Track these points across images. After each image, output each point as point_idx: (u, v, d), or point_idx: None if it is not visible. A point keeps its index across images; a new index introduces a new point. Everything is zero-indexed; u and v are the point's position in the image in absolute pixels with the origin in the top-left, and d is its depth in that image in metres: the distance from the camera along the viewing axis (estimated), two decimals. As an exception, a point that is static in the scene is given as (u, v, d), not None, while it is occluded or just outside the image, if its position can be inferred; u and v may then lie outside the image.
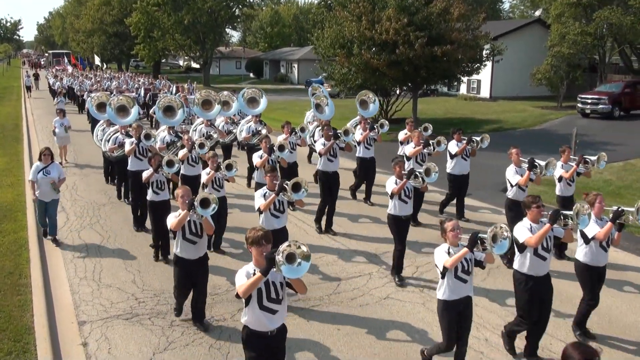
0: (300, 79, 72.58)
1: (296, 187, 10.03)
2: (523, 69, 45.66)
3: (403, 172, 11.35)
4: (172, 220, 9.07)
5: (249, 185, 18.86)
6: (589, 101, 37.19)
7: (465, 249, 7.44)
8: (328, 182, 14.61)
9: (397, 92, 34.06)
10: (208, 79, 67.31)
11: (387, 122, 17.36)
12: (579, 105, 37.82)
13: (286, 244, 6.04)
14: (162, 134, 16.44)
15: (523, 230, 8.35)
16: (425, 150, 15.19)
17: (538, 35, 49.07)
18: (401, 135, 17.29)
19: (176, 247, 9.29)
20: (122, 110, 16.66)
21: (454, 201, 15.73)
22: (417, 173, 11.33)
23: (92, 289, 10.95)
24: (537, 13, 59.51)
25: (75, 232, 14.24)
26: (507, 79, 48.97)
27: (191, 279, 9.36)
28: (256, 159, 13.58)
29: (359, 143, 16.83)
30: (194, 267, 9.28)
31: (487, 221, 14.83)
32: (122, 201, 17.30)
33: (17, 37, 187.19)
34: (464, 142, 15.13)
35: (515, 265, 8.56)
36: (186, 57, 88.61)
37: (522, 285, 8.43)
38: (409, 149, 15.31)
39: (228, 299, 10.51)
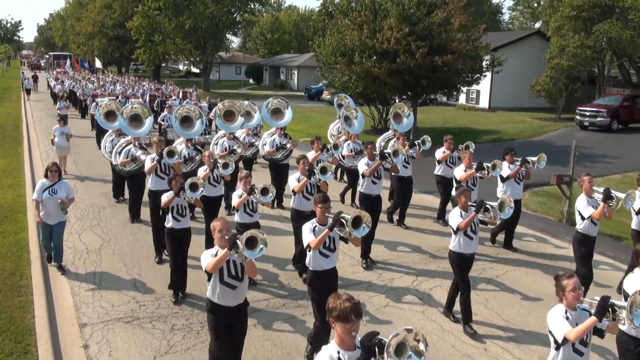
0: (300, 86, 72.66)
1: (357, 223, 8.36)
2: (522, 80, 45.85)
3: (471, 203, 9.94)
4: (207, 259, 7.33)
5: (273, 205, 17.09)
6: (588, 114, 37.35)
7: (594, 318, 6.02)
8: (371, 206, 12.96)
9: (397, 100, 34.15)
10: (208, 84, 67.38)
11: (429, 138, 16.17)
12: (578, 117, 37.96)
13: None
14: (179, 148, 14.66)
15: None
16: (478, 174, 13.85)
17: (537, 47, 49.28)
18: (439, 153, 15.90)
19: (211, 293, 7.60)
20: (135, 119, 15.36)
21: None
22: (488, 206, 9.85)
23: (92, 291, 10.99)
24: (537, 25, 59.76)
25: (75, 235, 14.28)
26: (506, 90, 49.16)
27: (229, 329, 7.75)
28: (293, 182, 11.95)
29: None
30: (233, 316, 7.68)
31: (535, 251, 14.30)
32: (121, 200, 17.47)
33: (17, 38, 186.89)
34: (517, 163, 13.79)
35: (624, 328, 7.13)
36: (186, 62, 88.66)
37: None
38: (459, 173, 13.98)
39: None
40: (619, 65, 45.95)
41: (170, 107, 25.30)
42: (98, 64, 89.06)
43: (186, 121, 15.30)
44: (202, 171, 12.93)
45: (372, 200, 13.33)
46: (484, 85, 45.12)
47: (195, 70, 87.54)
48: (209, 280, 7.50)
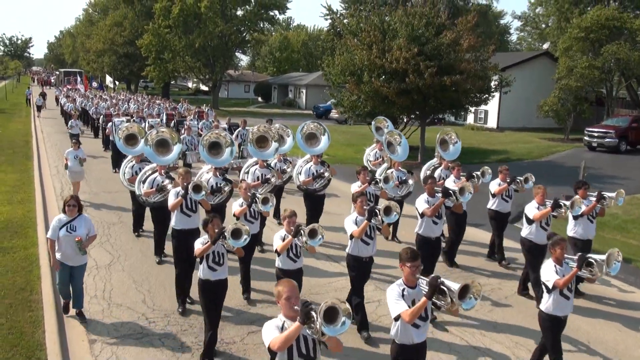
0: (308, 104, 72.87)
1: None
2: (530, 100, 45.95)
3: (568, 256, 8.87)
4: (272, 333, 5.82)
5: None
6: (596, 134, 37.38)
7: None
8: (431, 250, 11.63)
9: (405, 120, 34.28)
10: (217, 102, 67.69)
11: (489, 170, 14.75)
12: (586, 138, 37.99)
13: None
14: (205, 176, 13.84)
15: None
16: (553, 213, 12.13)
17: (546, 68, 49.40)
18: (494, 186, 14.40)
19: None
20: (162, 145, 13.92)
21: None
22: (592, 260, 8.66)
23: (102, 307, 11.04)
24: (545, 46, 59.82)
25: (85, 251, 14.34)
26: (514, 110, 49.24)
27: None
28: (350, 225, 10.15)
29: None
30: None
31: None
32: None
33: (28, 55, 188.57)
34: (592, 199, 12.52)
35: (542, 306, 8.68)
36: (195, 80, 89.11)
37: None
38: (531, 210, 12.14)
39: (238, 322, 10.59)
40: (627, 86, 45.96)
41: (189, 129, 24.49)
42: (109, 80, 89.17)
43: (214, 147, 13.89)
44: (237, 206, 11.69)
45: (432, 243, 11.75)
46: (492, 105, 45.20)
47: (204, 88, 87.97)
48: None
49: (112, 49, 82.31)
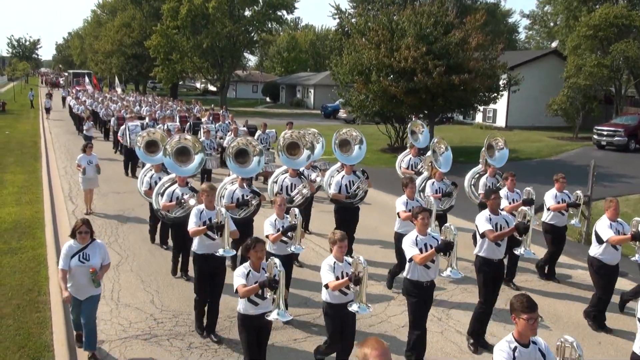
0: (316, 104, 72.85)
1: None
2: (539, 99, 45.77)
3: None
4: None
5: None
6: (605, 133, 37.25)
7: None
8: (492, 274, 10.01)
9: (413, 119, 34.17)
10: (225, 102, 67.67)
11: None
12: (595, 136, 37.86)
13: None
14: (230, 187, 12.41)
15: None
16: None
17: (554, 66, 49.20)
18: (549, 199, 12.96)
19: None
20: (182, 154, 12.64)
21: None
22: None
23: (110, 308, 11.00)
24: (554, 44, 59.61)
25: (93, 251, 14.31)
26: (523, 109, 49.07)
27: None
28: (410, 248, 8.82)
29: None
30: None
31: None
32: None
33: (36, 56, 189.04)
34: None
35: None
36: (203, 80, 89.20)
37: None
38: (604, 230, 10.57)
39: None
40: (636, 84, 45.71)
41: (208, 132, 23.41)
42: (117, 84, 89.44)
43: (241, 155, 12.62)
44: (270, 226, 10.26)
45: (495, 266, 10.06)
46: (500, 104, 45.06)
47: (212, 88, 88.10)
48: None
49: (120, 50, 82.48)
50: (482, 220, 9.96)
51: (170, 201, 12.16)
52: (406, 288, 9.22)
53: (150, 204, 14.23)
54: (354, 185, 13.60)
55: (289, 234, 10.15)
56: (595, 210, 18.28)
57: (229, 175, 13.63)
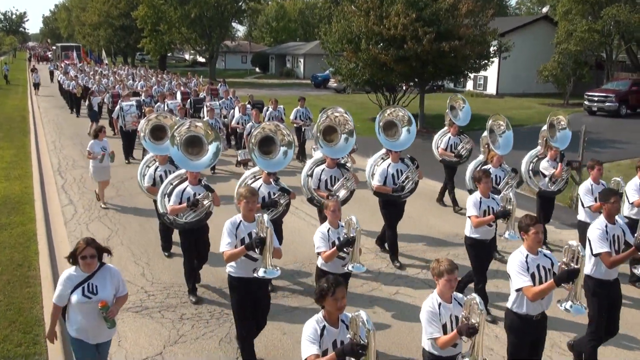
0: (306, 74, 72.47)
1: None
2: (530, 65, 45.64)
3: None
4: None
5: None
6: (596, 99, 37.20)
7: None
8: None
9: (404, 87, 34.06)
10: (214, 73, 67.28)
11: None
12: (586, 102, 37.83)
13: None
14: (255, 184, 10.27)
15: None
16: None
17: (545, 32, 49.01)
18: (632, 192, 11.21)
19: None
20: (192, 144, 10.36)
21: None
22: None
23: (101, 281, 10.94)
24: (544, 10, 59.38)
25: (83, 225, 14.26)
26: (513, 76, 49.00)
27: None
28: (521, 277, 6.80)
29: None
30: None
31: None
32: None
33: (23, 30, 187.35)
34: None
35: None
36: (192, 51, 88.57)
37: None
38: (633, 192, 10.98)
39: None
40: (627, 49, 45.57)
41: (212, 110, 20.93)
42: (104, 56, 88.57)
43: (266, 144, 10.61)
44: (321, 240, 8.18)
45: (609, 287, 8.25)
46: (491, 72, 44.93)
47: (201, 59, 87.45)
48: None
49: (107, 21, 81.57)
50: (596, 236, 7.98)
51: (180, 203, 9.90)
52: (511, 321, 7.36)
53: (155, 202, 11.43)
54: (402, 175, 11.79)
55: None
56: (586, 176, 18.26)
57: (239, 162, 12.68)
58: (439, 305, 6.09)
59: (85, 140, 25.08)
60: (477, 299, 5.82)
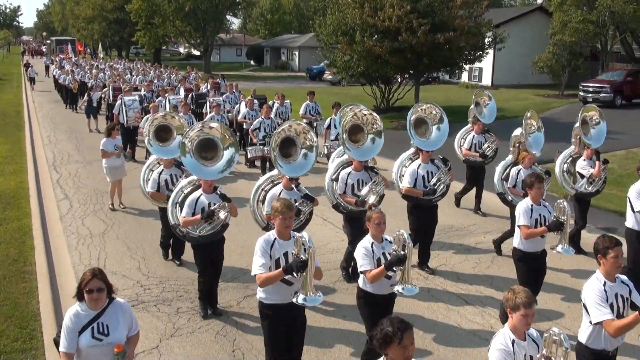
0: (301, 66, 72.34)
1: None
2: (525, 56, 45.59)
3: None
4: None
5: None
6: (591, 90, 37.14)
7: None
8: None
9: (399, 79, 34.05)
10: (209, 66, 67.17)
11: None
12: (581, 93, 37.76)
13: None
14: (274, 190, 9.50)
15: None
16: None
17: (540, 23, 48.93)
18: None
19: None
20: (208, 147, 9.22)
21: None
22: None
23: (97, 276, 10.93)
24: (539, 1, 59.37)
25: (79, 219, 14.26)
26: (508, 67, 48.94)
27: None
28: (601, 308, 6.02)
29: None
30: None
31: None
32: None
33: (17, 24, 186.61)
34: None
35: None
36: (186, 44, 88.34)
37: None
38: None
39: (234, 287, 10.53)
40: (621, 40, 45.54)
41: (217, 106, 20.19)
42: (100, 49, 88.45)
43: (286, 146, 9.70)
44: (364, 257, 7.21)
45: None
46: (486, 63, 44.85)
47: (195, 52, 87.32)
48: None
49: (101, 15, 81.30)
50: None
51: (194, 214, 8.99)
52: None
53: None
54: (433, 177, 10.99)
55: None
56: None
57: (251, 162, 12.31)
58: (512, 342, 5.37)
59: (80, 135, 25.19)
60: (560, 333, 5.23)
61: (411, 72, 31.72)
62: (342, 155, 11.62)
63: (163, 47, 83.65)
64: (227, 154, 9.18)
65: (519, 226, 8.76)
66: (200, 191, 9.14)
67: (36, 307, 9.70)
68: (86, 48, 73.54)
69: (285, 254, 6.72)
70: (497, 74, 50.01)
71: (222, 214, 8.94)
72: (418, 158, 11.30)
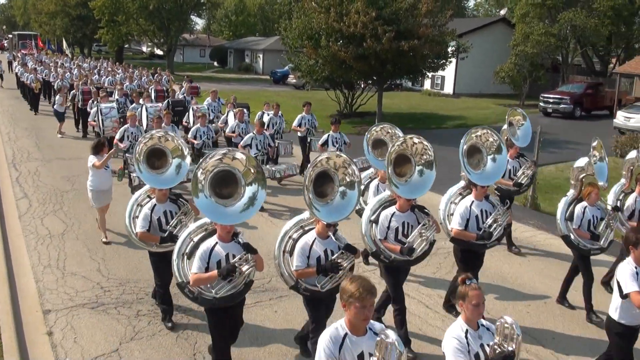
0: (265, 69, 72.20)
1: None
2: (486, 66, 46.23)
3: None
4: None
5: None
6: (551, 100, 37.92)
7: None
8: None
9: (362, 85, 34.24)
10: (172, 66, 66.70)
11: None
12: (541, 104, 38.48)
13: None
14: (306, 238, 7.47)
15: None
16: None
17: (502, 34, 49.68)
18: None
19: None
20: (226, 182, 7.12)
21: None
22: None
23: (56, 277, 10.81)
24: (502, 12, 60.15)
25: (38, 219, 14.03)
26: (470, 76, 49.58)
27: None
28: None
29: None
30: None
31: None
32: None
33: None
34: None
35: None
36: (149, 44, 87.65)
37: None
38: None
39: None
40: (582, 53, 46.53)
41: (203, 116, 17.91)
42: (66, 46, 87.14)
43: (321, 182, 7.49)
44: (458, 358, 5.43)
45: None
46: (448, 71, 45.34)
47: (159, 52, 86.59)
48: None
49: (64, 10, 79.99)
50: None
51: (207, 269, 6.96)
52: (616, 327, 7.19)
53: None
54: (488, 217, 9.15)
55: None
56: (541, 176, 18.75)
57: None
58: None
59: (42, 133, 24.83)
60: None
61: (375, 78, 31.88)
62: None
63: (126, 46, 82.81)
64: (249, 190, 7.12)
65: (627, 294, 6.81)
66: (215, 238, 7.13)
67: (-7, 309, 9.55)
68: (49, 44, 72.23)
69: (361, 356, 5.01)
70: (459, 83, 50.60)
71: (245, 268, 6.97)
72: (470, 194, 9.48)
